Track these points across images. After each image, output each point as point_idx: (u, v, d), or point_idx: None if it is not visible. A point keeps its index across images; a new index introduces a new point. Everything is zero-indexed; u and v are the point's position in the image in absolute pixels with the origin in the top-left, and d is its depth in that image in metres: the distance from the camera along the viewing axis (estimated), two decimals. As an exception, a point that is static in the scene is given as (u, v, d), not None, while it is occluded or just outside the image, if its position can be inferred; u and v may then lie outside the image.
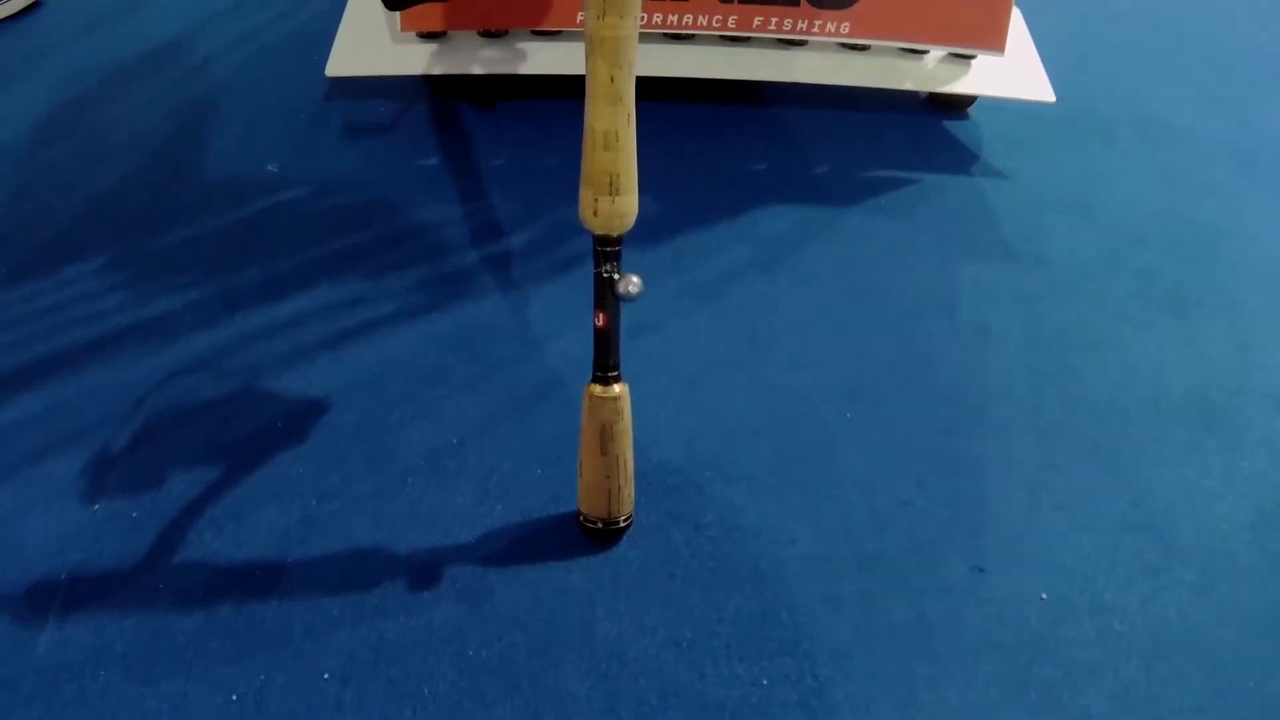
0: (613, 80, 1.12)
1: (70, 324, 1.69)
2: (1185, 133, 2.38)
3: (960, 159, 2.18)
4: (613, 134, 1.13)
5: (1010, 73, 2.13)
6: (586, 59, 1.14)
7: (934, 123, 2.28)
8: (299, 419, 1.53)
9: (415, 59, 2.02)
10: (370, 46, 2.04)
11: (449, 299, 1.73)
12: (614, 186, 1.14)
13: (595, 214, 1.15)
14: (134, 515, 1.40)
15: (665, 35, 2.04)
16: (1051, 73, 2.15)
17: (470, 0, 1.97)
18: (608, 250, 1.18)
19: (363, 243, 1.85)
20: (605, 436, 1.25)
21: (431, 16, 1.98)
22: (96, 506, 1.41)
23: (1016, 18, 2.12)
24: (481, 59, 2.02)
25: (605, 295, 1.20)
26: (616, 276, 1.18)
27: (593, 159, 1.14)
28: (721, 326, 1.71)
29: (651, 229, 1.83)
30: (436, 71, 2.03)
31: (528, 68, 2.01)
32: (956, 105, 2.30)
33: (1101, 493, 1.51)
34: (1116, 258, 1.96)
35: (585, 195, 1.16)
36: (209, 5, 2.76)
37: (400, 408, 1.54)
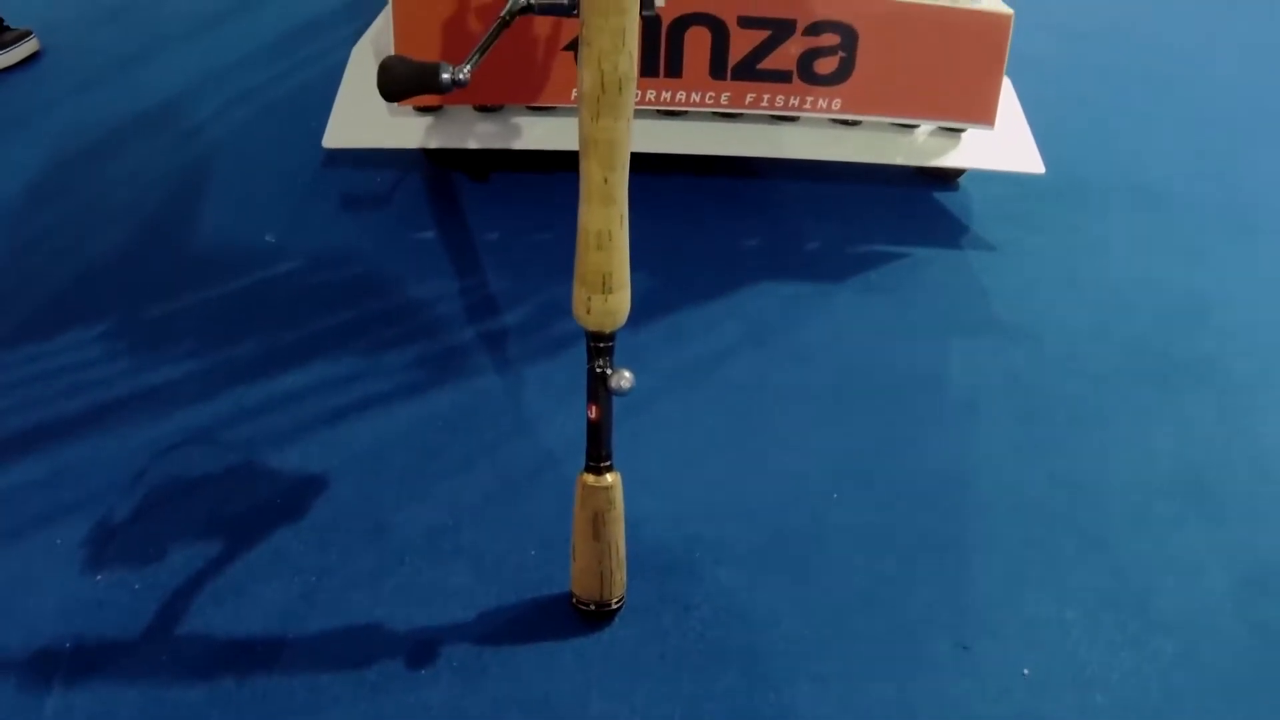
0: (606, 182, 1.21)
1: (71, 390, 1.77)
2: (1176, 197, 2.50)
3: (950, 232, 2.27)
4: (606, 234, 1.21)
5: (1000, 145, 2.23)
6: (581, 158, 1.22)
7: (924, 194, 2.38)
8: (298, 495, 1.60)
9: (411, 132, 2.11)
10: (367, 119, 2.13)
11: (444, 377, 1.80)
12: (607, 285, 1.22)
13: (588, 312, 1.24)
14: (136, 586, 1.46)
15: (659, 111, 2.14)
16: (1042, 138, 2.26)
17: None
18: (601, 346, 1.26)
19: (359, 318, 1.93)
20: (598, 524, 1.33)
21: (428, 92, 2.07)
22: (99, 576, 1.48)
23: (1007, 87, 2.22)
24: (477, 133, 2.12)
25: (598, 390, 1.27)
26: (609, 372, 1.26)
27: (585, 259, 1.23)
28: (713, 406, 1.79)
29: (646, 307, 1.91)
30: (432, 145, 2.12)
31: (522, 143, 2.11)
32: (947, 176, 2.40)
33: (1083, 567, 1.58)
34: (1105, 329, 2.05)
35: (579, 293, 1.24)
36: (205, 64, 2.86)
37: (397, 486, 1.62)
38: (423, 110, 2.12)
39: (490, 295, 1.99)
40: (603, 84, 1.19)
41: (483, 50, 1.58)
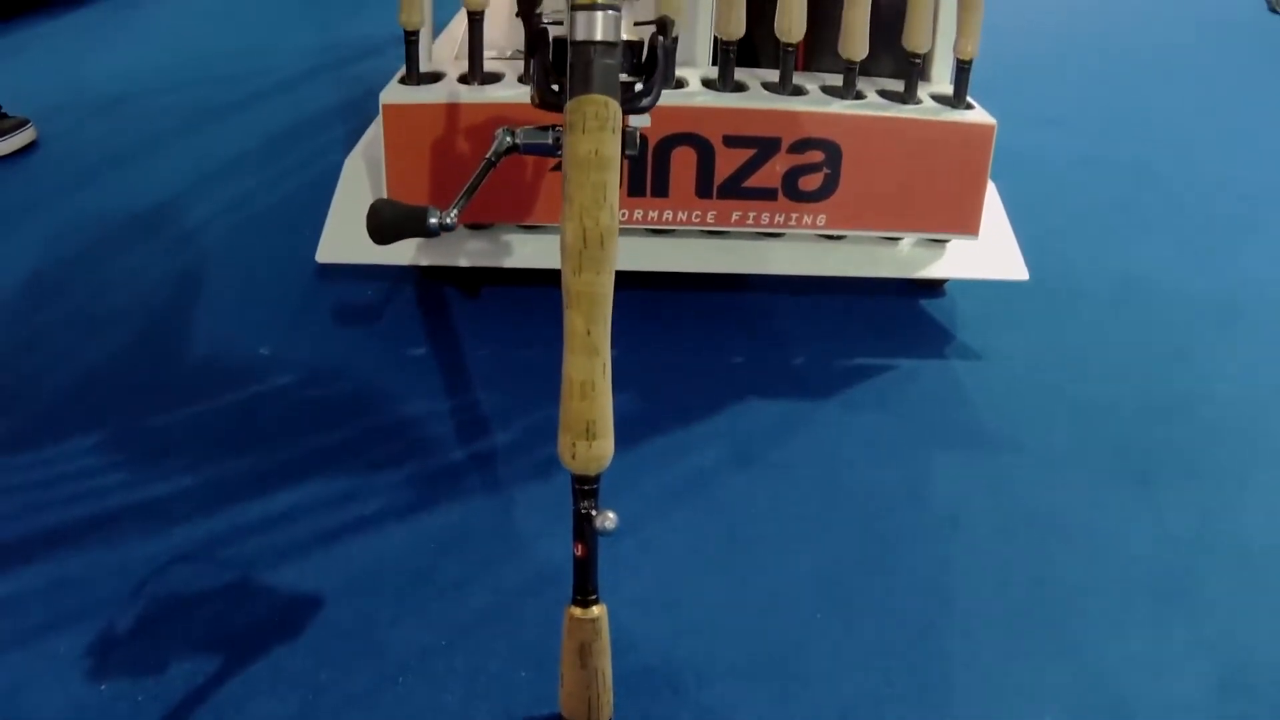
0: (589, 334, 1.33)
1: (71, 499, 1.88)
2: (1160, 289, 2.64)
3: (936, 340, 2.40)
4: (589, 384, 1.33)
5: (984, 254, 2.35)
6: (564, 309, 1.35)
7: (910, 302, 2.51)
8: (294, 613, 1.70)
9: (403, 249, 2.22)
10: (359, 235, 2.22)
11: (436, 497, 1.91)
12: (590, 432, 1.34)
13: (573, 457, 1.35)
14: (139, 699, 1.55)
15: (646, 230, 2.27)
16: (1027, 236, 2.40)
17: (456, 194, 2.18)
18: (586, 489, 1.38)
19: (352, 436, 2.05)
20: (585, 653, 1.43)
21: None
22: (103, 686, 1.56)
23: (990, 191, 2.35)
24: (468, 251, 2.25)
25: (584, 529, 1.39)
26: (595, 513, 1.38)
27: (569, 407, 1.34)
28: (700, 527, 1.89)
29: (634, 428, 2.03)
30: (424, 263, 2.25)
31: (512, 261, 2.24)
32: (932, 284, 2.53)
33: (1064, 678, 1.66)
34: (1087, 433, 2.17)
35: (564, 439, 1.36)
36: (200, 161, 3.02)
37: (392, 605, 1.72)
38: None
39: (481, 414, 2.11)
40: (584, 239, 1.31)
41: (469, 193, 1.73)
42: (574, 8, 1.43)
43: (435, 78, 2.24)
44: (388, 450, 2.02)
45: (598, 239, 1.31)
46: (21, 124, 3.23)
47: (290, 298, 2.42)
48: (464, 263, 2.22)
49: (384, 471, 1.97)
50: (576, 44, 1.42)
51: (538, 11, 1.68)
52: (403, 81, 2.22)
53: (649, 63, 1.65)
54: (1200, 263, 2.78)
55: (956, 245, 2.37)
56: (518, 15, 1.69)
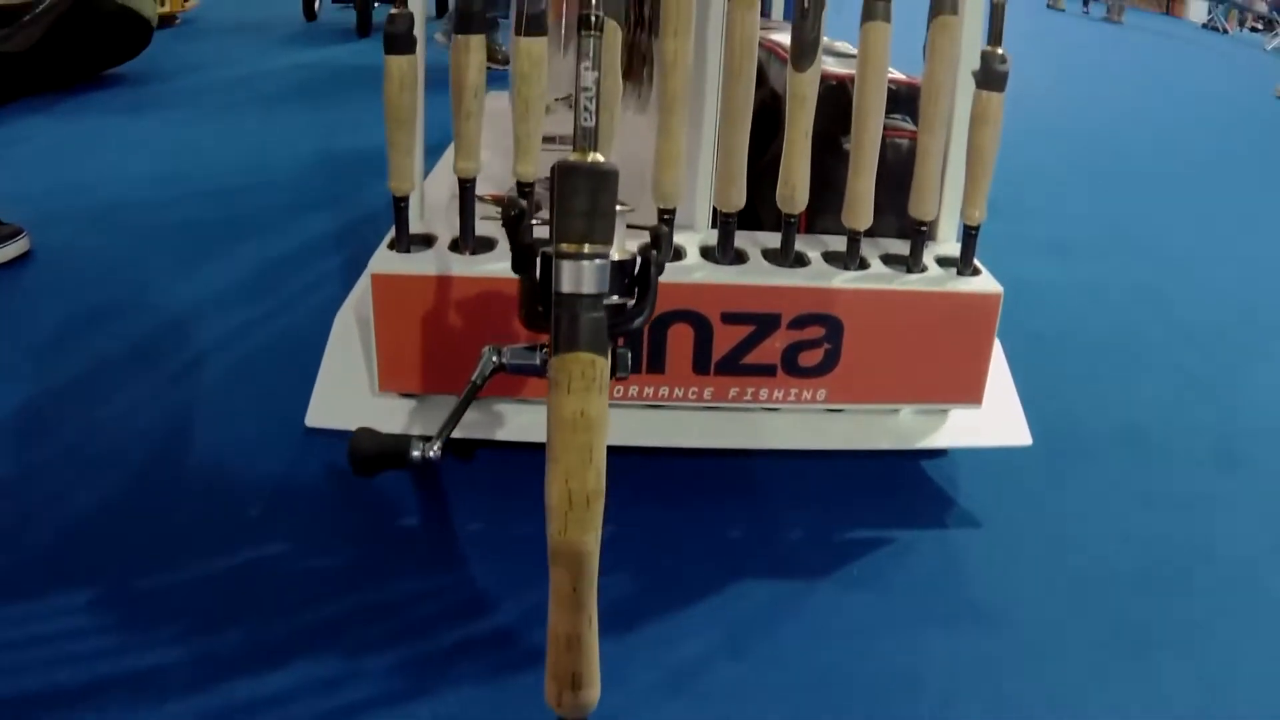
0: (575, 590, 1.39)
1: (61, 660, 1.91)
2: (1164, 435, 2.72)
3: (935, 508, 2.44)
4: (575, 638, 1.38)
5: (987, 421, 2.40)
6: (550, 564, 1.40)
7: (911, 465, 2.55)
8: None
9: (394, 417, 2.28)
10: (348, 399, 2.30)
11: (425, 685, 1.94)
12: (576, 682, 1.40)
13: (559, 704, 1.41)
14: None
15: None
16: (1029, 384, 2.46)
17: (448, 367, 2.24)
18: None
19: (341, 614, 2.07)
20: None
21: (410, 379, 2.26)
22: None
23: (996, 351, 2.40)
24: (461, 422, 2.30)
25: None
26: None
27: (556, 659, 1.39)
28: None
29: (624, 615, 2.06)
30: (415, 432, 2.29)
31: (505, 434, 2.28)
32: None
33: None
34: (1084, 605, 2.20)
35: (550, 686, 1.41)
36: (196, 290, 3.12)
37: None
38: (406, 395, 2.31)
39: (473, 593, 2.14)
40: (570, 501, 1.37)
41: (453, 421, 1.78)
42: (559, 255, 1.47)
43: (427, 241, 2.31)
44: (376, 631, 2.04)
45: (584, 500, 1.36)
46: (16, 233, 3.29)
47: (281, 453, 2.46)
48: (456, 434, 2.27)
49: (372, 655, 1.99)
50: (561, 295, 1.46)
51: (525, 224, 1.68)
52: (392, 246, 2.27)
53: (640, 277, 1.68)
54: (1205, 403, 2.83)
55: (959, 412, 2.42)
56: (503, 226, 1.69)
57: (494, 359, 1.84)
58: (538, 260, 1.63)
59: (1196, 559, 2.35)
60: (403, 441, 1.80)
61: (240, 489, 2.36)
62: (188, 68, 7.31)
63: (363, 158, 4.67)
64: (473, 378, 1.83)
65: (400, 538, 2.27)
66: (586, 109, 1.54)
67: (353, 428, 2.28)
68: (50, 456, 2.43)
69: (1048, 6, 20.40)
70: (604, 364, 1.45)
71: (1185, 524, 2.45)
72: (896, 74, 2.52)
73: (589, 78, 1.55)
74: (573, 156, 1.54)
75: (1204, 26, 21.03)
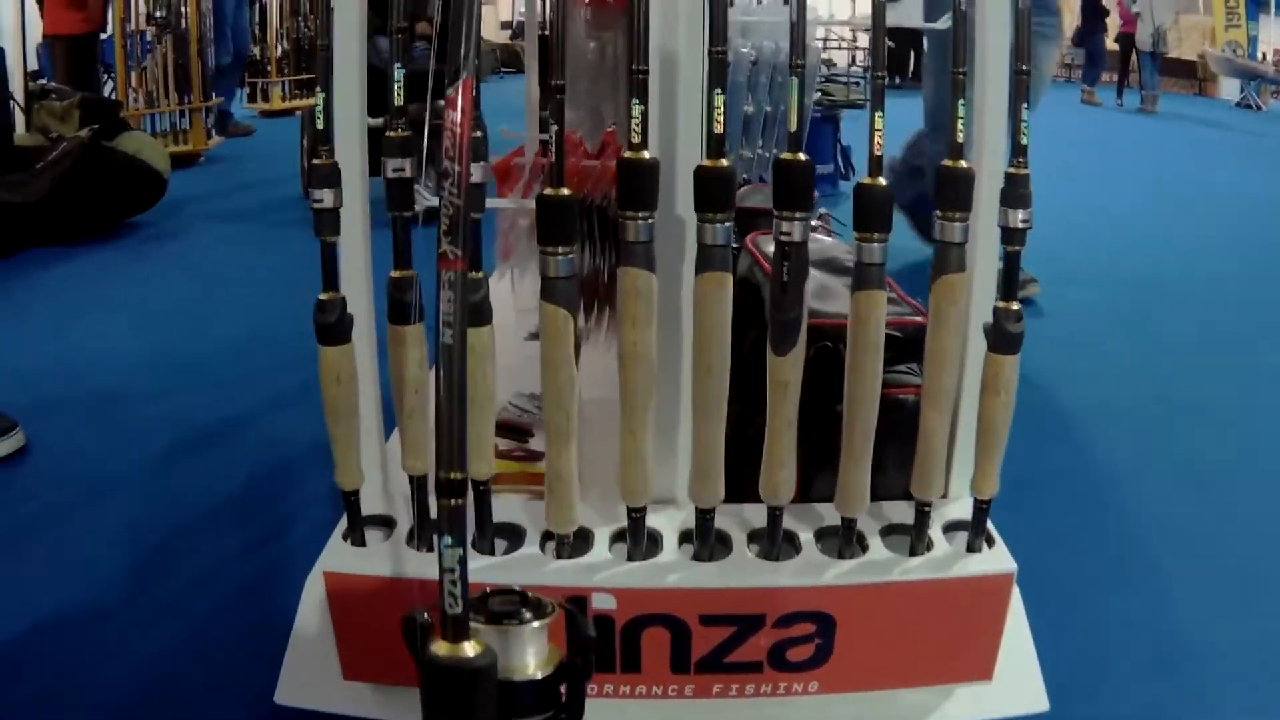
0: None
1: None
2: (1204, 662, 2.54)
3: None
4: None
5: (999, 689, 2.23)
6: None
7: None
8: None
9: (365, 701, 2.18)
10: (318, 676, 2.21)
11: None
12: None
13: None
14: None
15: (618, 695, 2.18)
16: (1050, 572, 2.42)
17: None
18: None
19: None
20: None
21: (373, 669, 2.17)
22: None
23: (1016, 607, 2.23)
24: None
25: None
26: None
27: None
28: None
29: None
30: (385, 718, 2.20)
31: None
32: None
33: None
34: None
35: None
36: (186, 511, 3.09)
37: None
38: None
39: None
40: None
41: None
42: None
43: (388, 523, 2.19)
44: None
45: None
46: (10, 429, 3.25)
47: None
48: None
49: None
50: None
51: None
52: (345, 537, 2.16)
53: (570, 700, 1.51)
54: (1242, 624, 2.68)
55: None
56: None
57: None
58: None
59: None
60: None
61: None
62: (202, 216, 7.47)
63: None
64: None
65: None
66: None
67: (323, 709, 2.19)
68: (38, 691, 2.38)
69: (1082, 101, 20.20)
70: None
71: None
72: (903, 313, 2.33)
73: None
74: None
75: (1237, 105, 21.06)
